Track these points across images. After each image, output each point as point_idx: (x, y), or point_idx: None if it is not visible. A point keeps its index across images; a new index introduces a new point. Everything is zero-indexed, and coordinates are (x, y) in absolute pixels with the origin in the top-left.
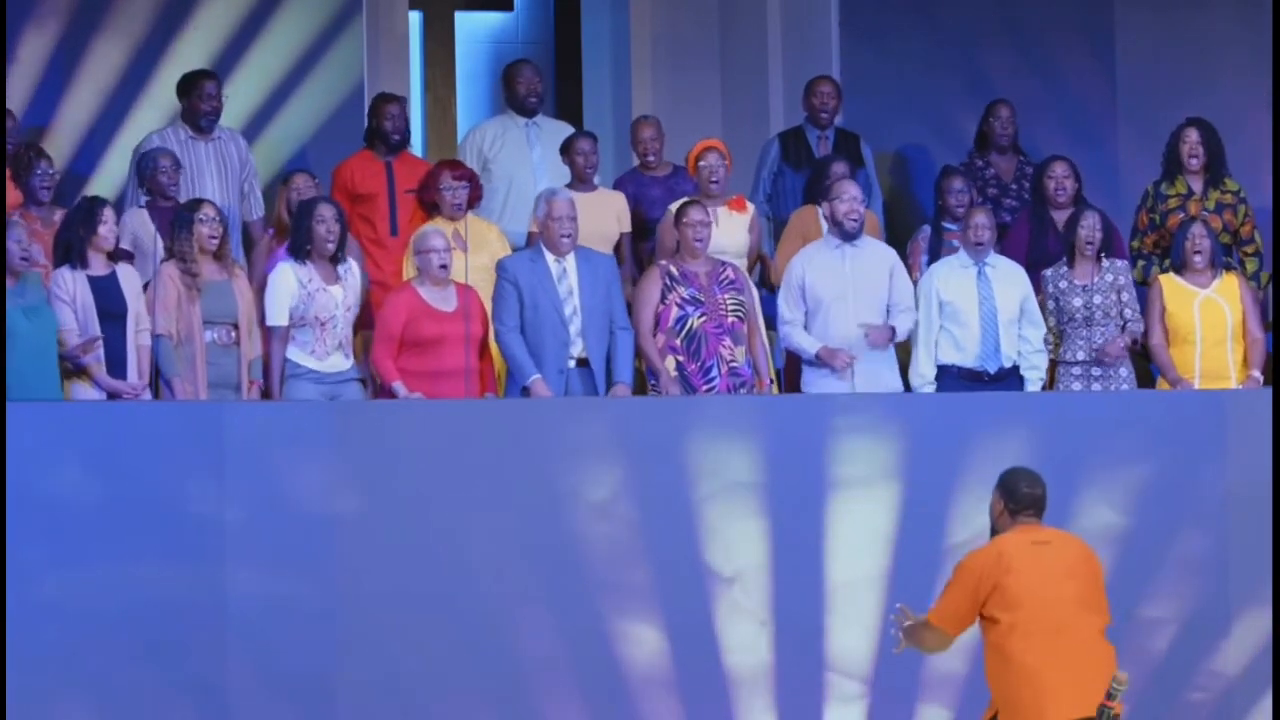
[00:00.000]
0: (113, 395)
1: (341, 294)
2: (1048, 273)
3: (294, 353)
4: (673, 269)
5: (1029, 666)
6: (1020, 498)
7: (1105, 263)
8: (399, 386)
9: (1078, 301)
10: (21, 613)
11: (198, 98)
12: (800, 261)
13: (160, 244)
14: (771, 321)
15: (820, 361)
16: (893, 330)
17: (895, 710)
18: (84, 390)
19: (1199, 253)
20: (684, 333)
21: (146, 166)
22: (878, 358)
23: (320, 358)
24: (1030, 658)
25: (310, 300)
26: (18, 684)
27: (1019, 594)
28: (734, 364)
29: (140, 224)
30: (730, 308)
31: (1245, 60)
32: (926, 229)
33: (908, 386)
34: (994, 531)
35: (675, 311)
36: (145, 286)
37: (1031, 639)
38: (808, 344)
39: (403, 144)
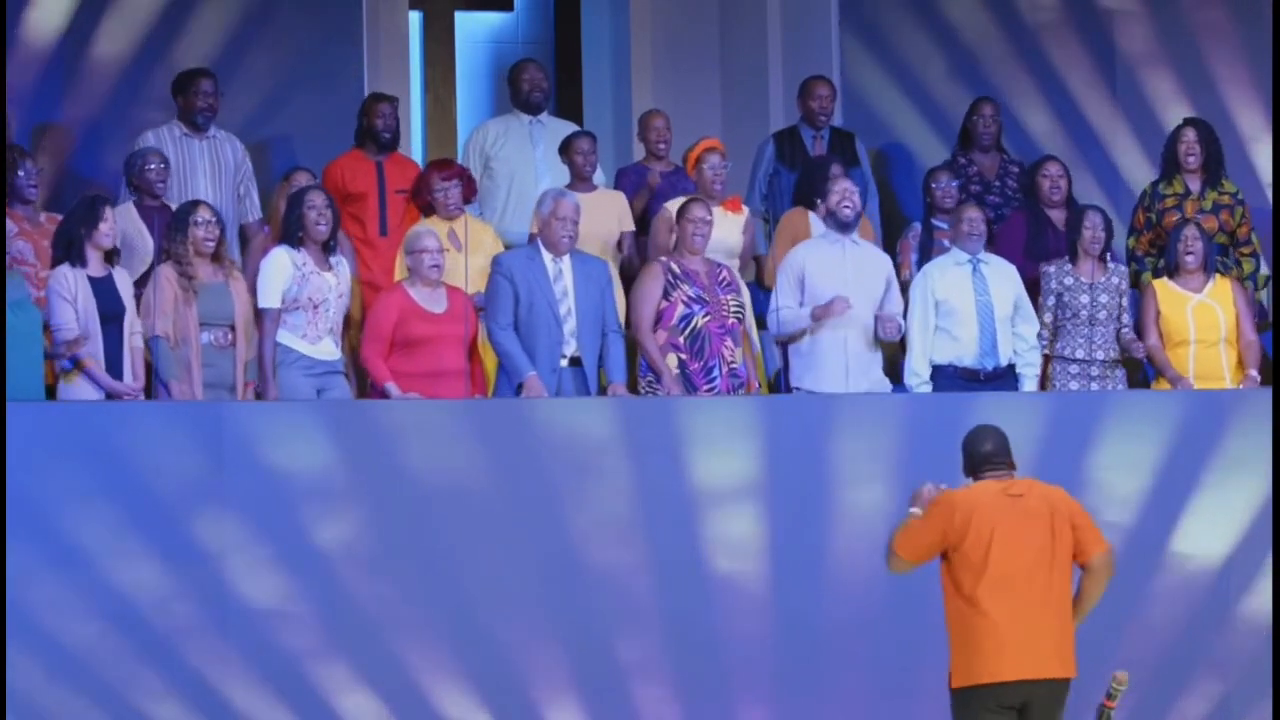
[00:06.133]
0: (110, 395)
1: (334, 280)
2: (1050, 268)
3: (285, 337)
4: (674, 266)
5: (994, 619)
6: (976, 460)
7: (1110, 264)
8: (391, 387)
9: (1084, 299)
10: (21, 613)
11: (194, 95)
12: (800, 253)
13: (151, 242)
14: (762, 321)
15: (818, 320)
16: (900, 324)
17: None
18: (80, 389)
19: (1191, 254)
20: (688, 331)
21: (135, 165)
22: (867, 358)
23: (312, 341)
24: (996, 610)
25: (304, 282)
26: (18, 684)
27: (990, 543)
28: (734, 365)
29: (130, 220)
30: (732, 308)
31: (1244, 60)
32: (917, 226)
33: (897, 386)
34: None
35: (680, 309)
36: (135, 284)
37: (997, 592)
38: (800, 315)
39: (393, 143)
